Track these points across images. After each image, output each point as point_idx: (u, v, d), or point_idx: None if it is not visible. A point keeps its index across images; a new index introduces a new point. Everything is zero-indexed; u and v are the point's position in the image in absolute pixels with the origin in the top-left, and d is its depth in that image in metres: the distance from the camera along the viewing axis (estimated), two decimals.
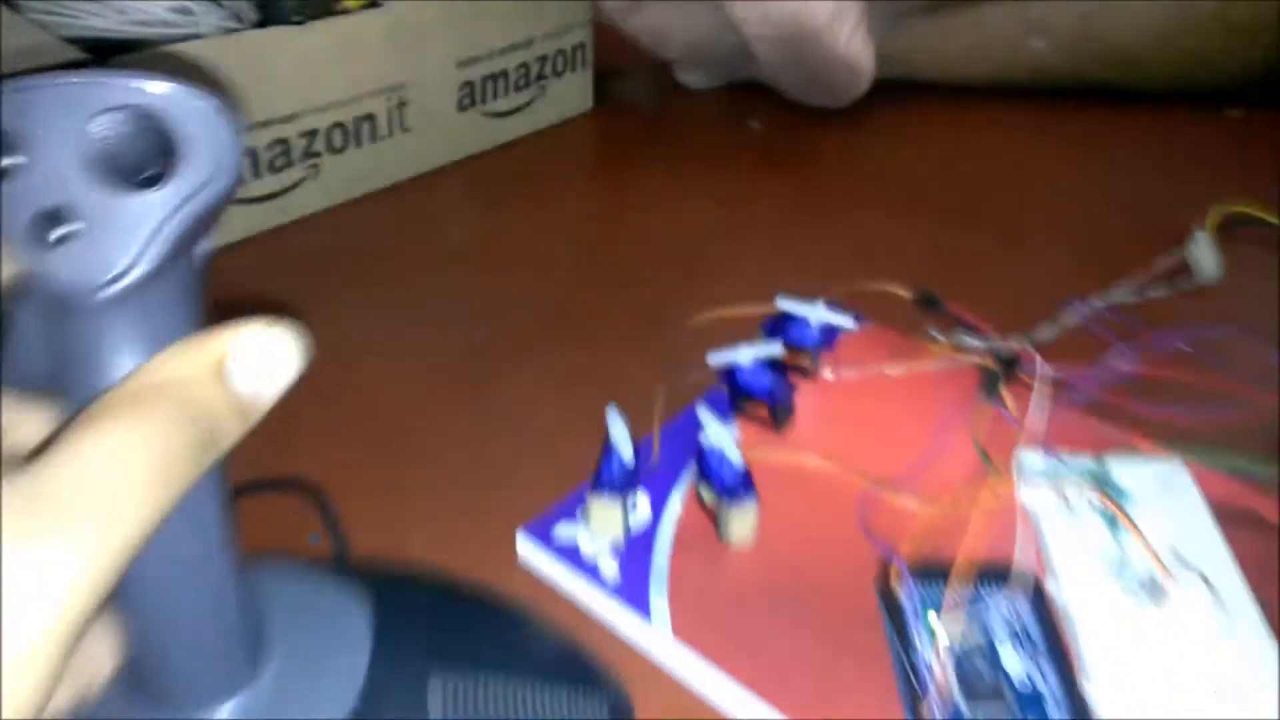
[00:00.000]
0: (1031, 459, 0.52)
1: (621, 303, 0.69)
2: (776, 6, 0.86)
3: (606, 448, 0.50)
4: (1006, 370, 0.55)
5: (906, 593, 0.45)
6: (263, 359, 0.23)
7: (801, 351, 0.59)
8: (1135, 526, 0.47)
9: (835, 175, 0.88)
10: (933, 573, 0.46)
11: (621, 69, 1.05)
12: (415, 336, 0.64)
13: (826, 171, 0.89)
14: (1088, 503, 0.49)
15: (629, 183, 0.86)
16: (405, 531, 0.51)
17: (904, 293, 0.69)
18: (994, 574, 0.46)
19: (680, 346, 0.63)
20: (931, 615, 0.45)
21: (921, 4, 1.00)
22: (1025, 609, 0.45)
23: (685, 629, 0.45)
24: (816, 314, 0.58)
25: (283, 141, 0.74)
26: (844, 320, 0.57)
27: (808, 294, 0.60)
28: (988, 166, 0.90)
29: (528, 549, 0.49)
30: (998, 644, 0.44)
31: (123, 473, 0.20)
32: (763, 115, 0.98)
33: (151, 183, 0.22)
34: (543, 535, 0.49)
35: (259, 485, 0.50)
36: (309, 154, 0.76)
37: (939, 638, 0.43)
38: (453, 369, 0.61)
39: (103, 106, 0.21)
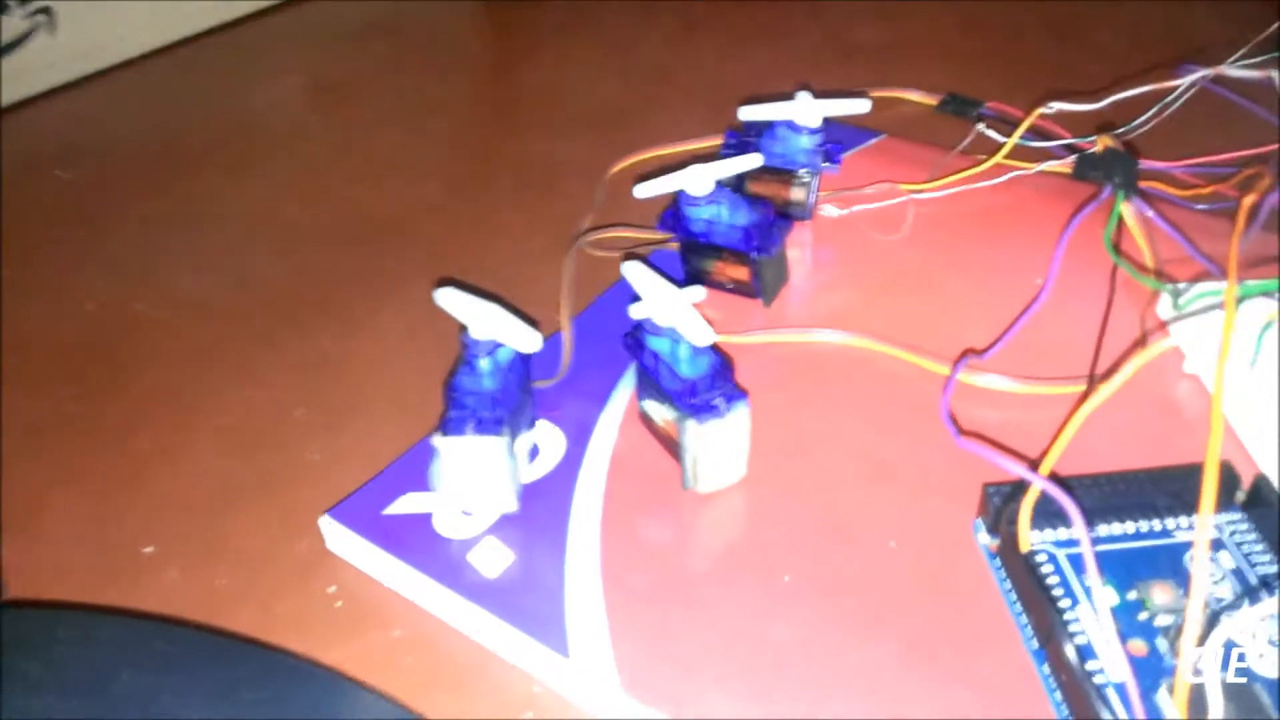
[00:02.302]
0: (1196, 294, 0.30)
1: (507, 174, 0.46)
2: None
3: (463, 351, 0.27)
4: (1126, 171, 0.34)
5: (1053, 543, 0.24)
6: None
7: (787, 179, 0.37)
8: None
9: None
10: (1100, 504, 0.25)
11: None
12: (207, 264, 0.41)
13: None
14: None
15: (523, 18, 0.63)
16: (126, 547, 0.28)
17: (921, 98, 0.47)
18: (1178, 488, 0.25)
19: (595, 208, 0.41)
20: (1106, 590, 0.23)
21: None
22: (1252, 543, 0.24)
23: (634, 667, 0.23)
24: (806, 110, 0.36)
25: None
26: (855, 105, 0.34)
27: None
28: None
29: (342, 542, 0.27)
30: (1226, 615, 0.23)
31: None
32: None
33: None
34: (364, 517, 0.27)
35: None
36: None
37: (1108, 615, 0.22)
38: (262, 305, 0.38)
39: None
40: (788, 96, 0.36)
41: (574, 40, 0.60)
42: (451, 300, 0.27)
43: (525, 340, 0.27)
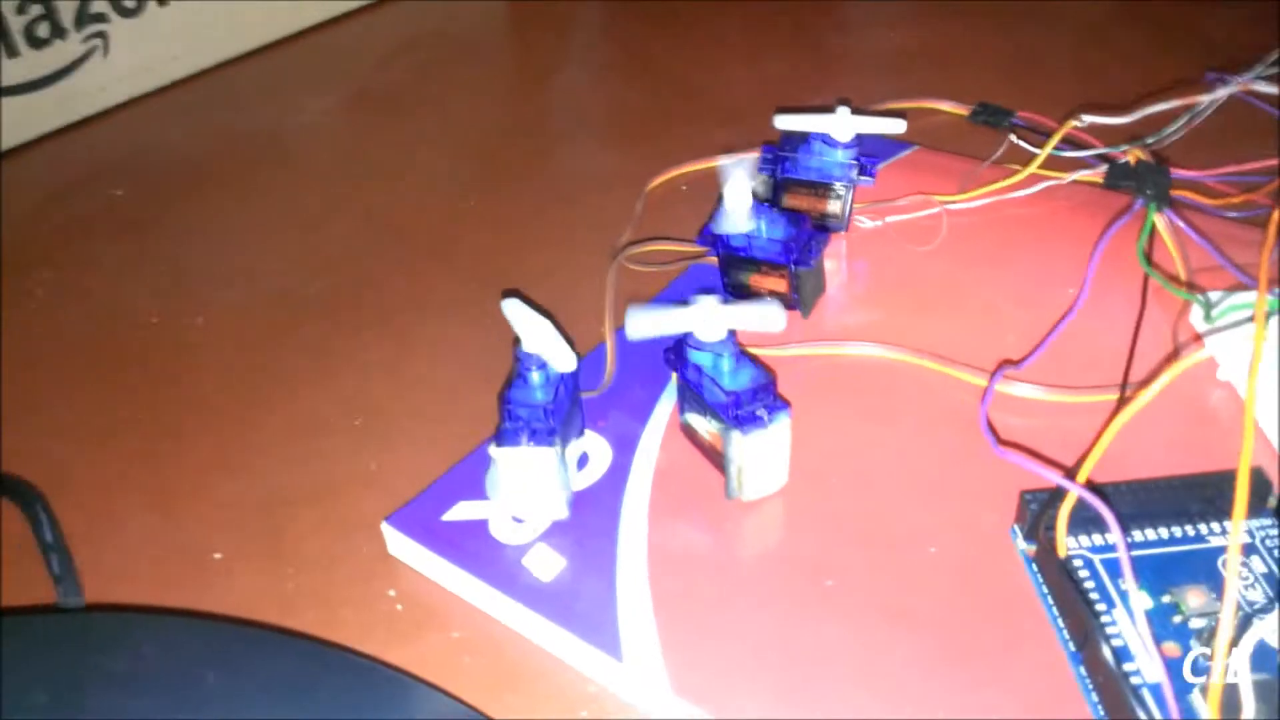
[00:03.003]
0: (1229, 306, 0.31)
1: (542, 186, 0.47)
2: None
3: (516, 364, 0.29)
4: (1158, 184, 0.34)
5: (1089, 548, 0.25)
6: None
7: (823, 192, 0.37)
8: None
9: None
10: (1136, 510, 0.26)
11: None
12: (257, 277, 0.42)
13: None
14: None
15: (549, 31, 0.64)
16: (199, 553, 0.30)
17: (953, 108, 0.47)
18: (1211, 494, 0.26)
19: (634, 221, 0.42)
20: (1140, 594, 0.24)
21: None
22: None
23: (684, 670, 0.24)
24: (844, 125, 0.37)
25: None
26: (890, 125, 0.35)
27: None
28: None
29: (402, 547, 0.28)
30: (1258, 618, 0.23)
31: None
32: None
33: None
34: (423, 523, 0.28)
35: None
36: (88, 17, 0.53)
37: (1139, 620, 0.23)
38: (313, 316, 0.39)
39: None
40: (822, 110, 0.37)
41: (600, 53, 0.62)
42: (513, 311, 0.28)
43: (562, 360, 0.28)
